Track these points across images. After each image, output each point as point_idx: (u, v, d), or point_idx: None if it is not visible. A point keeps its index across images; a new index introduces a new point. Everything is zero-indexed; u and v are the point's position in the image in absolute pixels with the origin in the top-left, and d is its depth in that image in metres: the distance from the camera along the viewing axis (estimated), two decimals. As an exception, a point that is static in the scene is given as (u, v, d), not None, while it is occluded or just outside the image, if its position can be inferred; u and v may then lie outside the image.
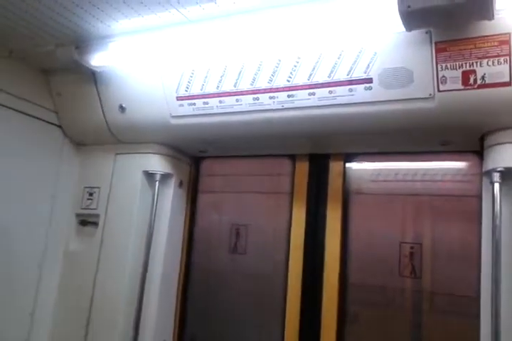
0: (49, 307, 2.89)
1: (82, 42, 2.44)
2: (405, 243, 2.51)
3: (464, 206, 2.43)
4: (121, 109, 2.72)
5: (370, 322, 2.56)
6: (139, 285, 2.74)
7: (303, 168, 2.80)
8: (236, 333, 2.90)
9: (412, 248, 2.49)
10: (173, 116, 2.59)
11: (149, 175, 2.85)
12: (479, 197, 2.17)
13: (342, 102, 2.16)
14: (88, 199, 2.96)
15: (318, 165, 2.75)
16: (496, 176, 2.01)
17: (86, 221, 2.98)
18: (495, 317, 1.92)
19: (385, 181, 2.65)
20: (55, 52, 2.51)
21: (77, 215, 3.01)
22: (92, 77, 2.75)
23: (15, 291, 2.73)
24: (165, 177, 2.89)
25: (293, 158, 2.85)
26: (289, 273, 2.71)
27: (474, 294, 2.14)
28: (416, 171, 2.57)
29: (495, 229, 1.98)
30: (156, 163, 2.87)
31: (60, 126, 3.00)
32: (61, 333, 2.86)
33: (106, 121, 2.83)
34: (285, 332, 2.67)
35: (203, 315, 3.03)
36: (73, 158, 3.08)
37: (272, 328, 2.76)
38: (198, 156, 3.17)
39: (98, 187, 2.94)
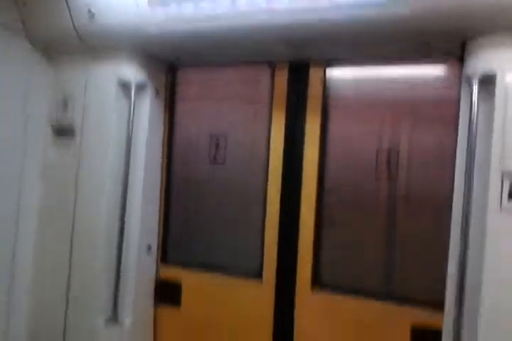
0: (32, 218, 2.94)
1: None
2: (383, 149, 2.55)
3: (442, 112, 2.43)
4: (90, 14, 2.57)
5: (347, 225, 2.67)
6: (122, 193, 2.77)
7: (282, 75, 2.73)
8: (217, 238, 3.02)
9: (389, 154, 2.53)
10: (145, 22, 2.46)
11: (124, 85, 2.77)
12: (458, 104, 2.18)
13: (322, 5, 2.07)
14: (63, 110, 2.88)
15: (298, 72, 2.69)
16: (475, 82, 2.01)
17: (62, 132, 2.93)
18: (465, 216, 2.02)
19: (365, 88, 2.62)
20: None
21: (53, 127, 2.95)
22: (57, -19, 2.56)
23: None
24: (140, 86, 2.80)
25: (272, 65, 2.77)
26: (269, 181, 2.77)
27: (447, 196, 2.23)
28: (396, 78, 2.55)
29: (471, 135, 2.02)
30: (131, 72, 2.77)
31: (27, 36, 2.82)
32: (46, 240, 2.94)
33: (75, 28, 2.69)
34: (265, 237, 2.77)
35: (186, 221, 3.12)
36: (44, 69, 2.94)
37: (252, 233, 2.86)
38: (173, 64, 3.04)
39: (72, 97, 2.85)
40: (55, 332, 2.86)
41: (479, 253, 1.98)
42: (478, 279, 1.98)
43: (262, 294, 2.75)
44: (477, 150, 2.02)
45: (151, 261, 3.01)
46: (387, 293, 2.54)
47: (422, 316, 2.35)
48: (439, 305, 2.20)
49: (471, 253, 2.03)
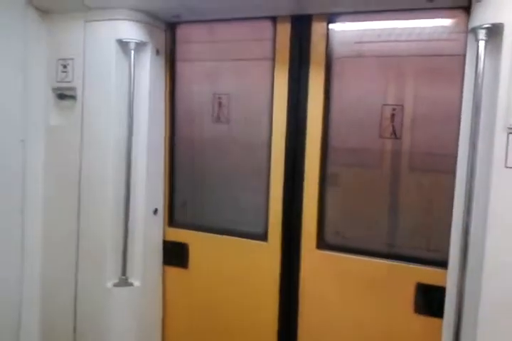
0: (38, 184, 2.94)
1: None
2: (387, 105, 2.52)
3: (448, 66, 2.38)
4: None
5: (351, 183, 2.68)
6: (125, 157, 2.77)
7: (284, 31, 2.66)
8: (223, 198, 3.05)
9: (393, 109, 2.50)
10: (143, -22, 2.39)
11: (123, 44, 2.71)
12: (464, 57, 2.12)
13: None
14: (63, 72, 2.85)
15: (301, 27, 2.62)
16: (482, 33, 1.95)
17: (63, 94, 2.90)
18: (470, 174, 2.02)
19: (369, 42, 2.56)
20: None
21: (54, 89, 2.92)
22: None
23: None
24: (140, 45, 2.74)
25: (274, 20, 2.69)
26: (273, 140, 2.75)
27: (452, 152, 2.20)
28: (401, 31, 2.47)
29: (476, 89, 1.98)
30: (129, 31, 2.71)
31: (24, -5, 2.73)
32: (53, 205, 2.96)
33: (72, -14, 2.60)
34: (270, 195, 2.79)
35: (191, 182, 3.15)
36: (41, 29, 2.86)
37: (258, 193, 2.87)
38: (172, 22, 2.97)
39: (71, 59, 2.80)
40: (67, 296, 2.93)
41: (483, 211, 1.98)
42: (482, 237, 1.98)
43: (267, 253, 2.80)
44: (483, 105, 1.98)
45: (158, 224, 3.05)
46: (392, 251, 2.57)
47: (426, 273, 2.39)
48: (443, 264, 2.23)
49: (475, 211, 2.03)
